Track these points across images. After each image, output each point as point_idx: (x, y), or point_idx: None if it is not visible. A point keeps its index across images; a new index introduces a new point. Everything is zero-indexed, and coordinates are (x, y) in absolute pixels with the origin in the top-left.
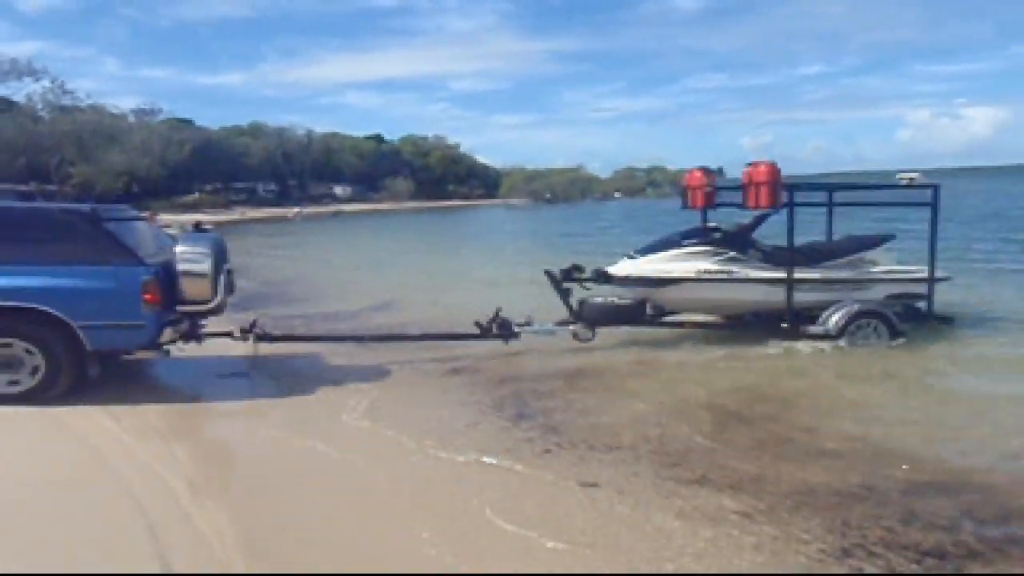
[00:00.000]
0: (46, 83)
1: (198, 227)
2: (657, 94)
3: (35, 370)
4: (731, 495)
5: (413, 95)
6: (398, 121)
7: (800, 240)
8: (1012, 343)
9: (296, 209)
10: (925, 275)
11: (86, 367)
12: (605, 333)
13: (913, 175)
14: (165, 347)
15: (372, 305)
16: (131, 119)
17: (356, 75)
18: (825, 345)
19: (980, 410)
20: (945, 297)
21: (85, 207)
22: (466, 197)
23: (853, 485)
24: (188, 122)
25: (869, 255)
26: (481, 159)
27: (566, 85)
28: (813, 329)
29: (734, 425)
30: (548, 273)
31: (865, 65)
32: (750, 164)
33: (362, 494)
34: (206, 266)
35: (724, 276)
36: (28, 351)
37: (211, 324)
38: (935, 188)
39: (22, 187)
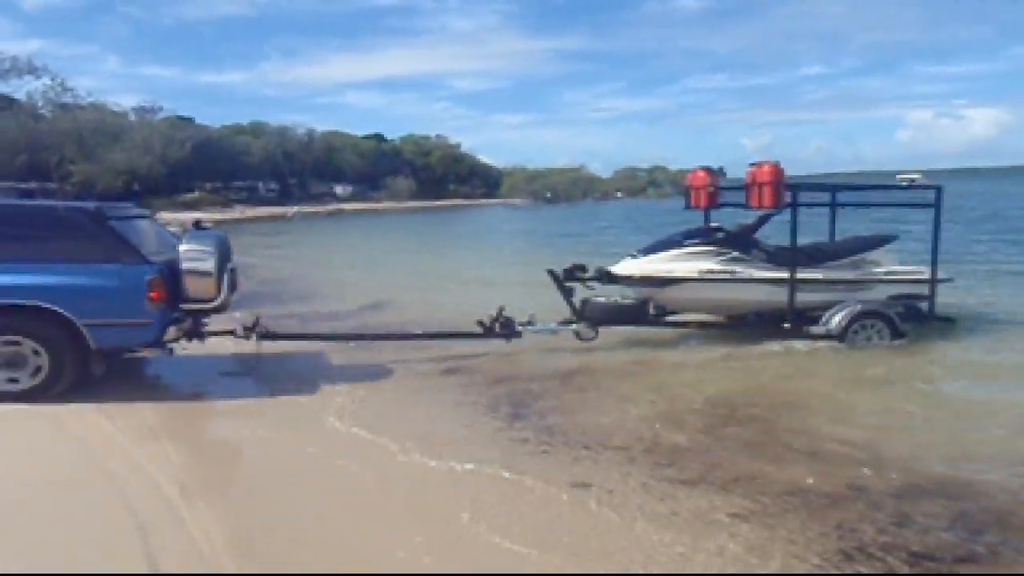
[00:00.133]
0: (47, 81)
1: (197, 225)
2: (658, 94)
3: (37, 370)
4: (724, 496)
5: (415, 94)
6: (399, 120)
7: (803, 241)
8: (1011, 347)
9: (294, 208)
10: (927, 276)
11: (89, 366)
12: (607, 332)
13: (914, 176)
14: (168, 345)
15: (368, 304)
16: (132, 117)
17: (358, 74)
18: (826, 345)
19: (978, 414)
20: (945, 298)
21: (90, 205)
22: (467, 196)
23: (847, 487)
24: (189, 120)
25: (871, 256)
26: (482, 158)
27: (567, 85)
28: (815, 329)
29: (730, 426)
30: (551, 272)
31: (865, 66)
32: (753, 164)
33: (351, 496)
34: (210, 264)
35: (727, 276)
36: (35, 351)
37: (214, 322)
38: (938, 189)
39: (23, 185)
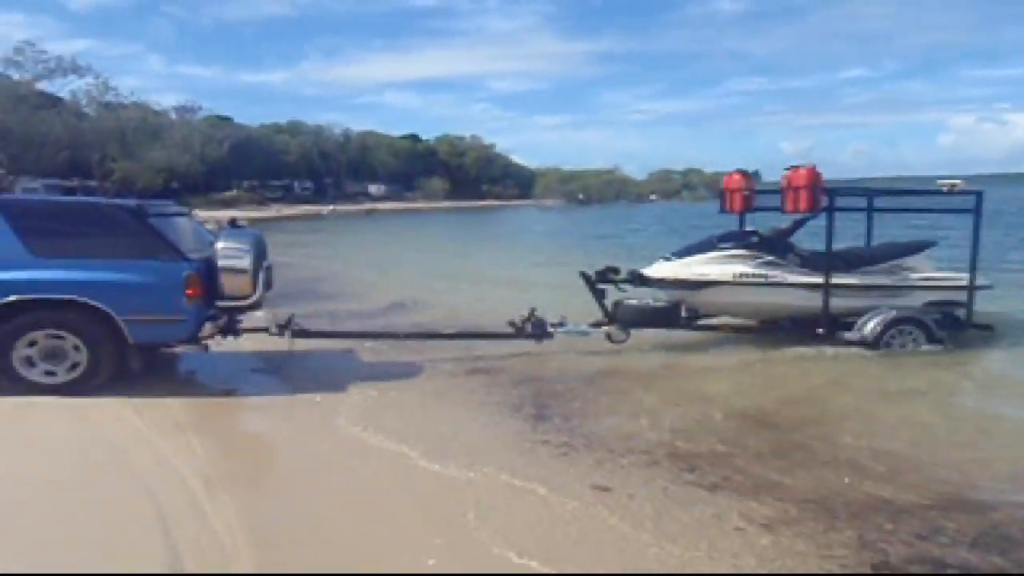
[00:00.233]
0: (90, 80)
1: (233, 223)
2: (697, 96)
3: (74, 365)
4: (744, 503)
5: (452, 95)
6: (436, 121)
7: (839, 245)
8: None
9: (330, 206)
10: (965, 283)
11: (126, 361)
12: (638, 335)
13: (955, 182)
14: (204, 341)
15: (399, 303)
16: (172, 116)
17: (396, 75)
18: (859, 352)
19: (1009, 432)
20: (984, 306)
21: (131, 203)
22: (500, 197)
23: (872, 498)
24: (228, 119)
25: (909, 261)
26: (517, 159)
27: (606, 86)
28: (849, 335)
29: (755, 432)
30: (583, 274)
31: (908, 68)
32: (790, 168)
33: (372, 494)
34: (246, 262)
35: (760, 280)
36: (76, 347)
37: (248, 319)
38: (978, 195)
39: (66, 183)
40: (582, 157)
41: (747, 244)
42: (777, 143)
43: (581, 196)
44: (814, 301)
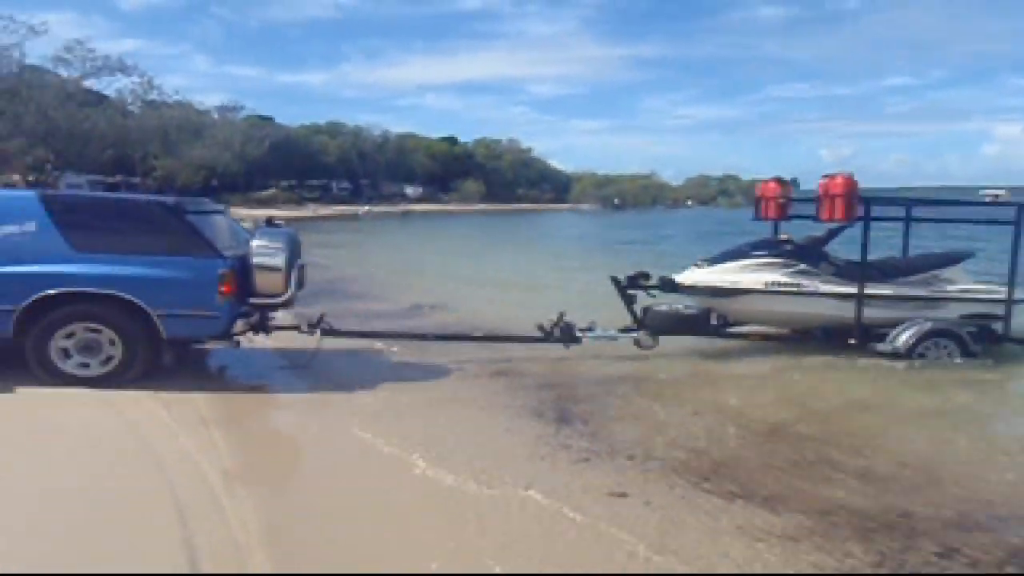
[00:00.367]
0: (135, 79)
1: (270, 222)
2: (737, 103)
3: (108, 359)
4: (763, 514)
5: (492, 98)
6: (476, 124)
7: (876, 255)
8: None
9: (365, 207)
10: (1003, 296)
11: (160, 355)
12: (666, 341)
13: (999, 192)
14: (235, 338)
15: (428, 304)
16: (215, 115)
17: (436, 77)
18: (891, 364)
19: None
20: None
21: (169, 200)
22: (535, 201)
23: (894, 513)
24: (269, 119)
25: (945, 273)
26: (554, 163)
27: (644, 91)
28: (881, 347)
29: (778, 441)
30: (614, 279)
31: (954, 77)
32: (826, 176)
33: (387, 492)
34: (280, 260)
35: (793, 289)
36: (112, 341)
37: (279, 317)
38: (1020, 207)
39: (109, 179)
40: (619, 162)
41: (780, 252)
42: (817, 151)
43: (617, 201)
44: (847, 311)
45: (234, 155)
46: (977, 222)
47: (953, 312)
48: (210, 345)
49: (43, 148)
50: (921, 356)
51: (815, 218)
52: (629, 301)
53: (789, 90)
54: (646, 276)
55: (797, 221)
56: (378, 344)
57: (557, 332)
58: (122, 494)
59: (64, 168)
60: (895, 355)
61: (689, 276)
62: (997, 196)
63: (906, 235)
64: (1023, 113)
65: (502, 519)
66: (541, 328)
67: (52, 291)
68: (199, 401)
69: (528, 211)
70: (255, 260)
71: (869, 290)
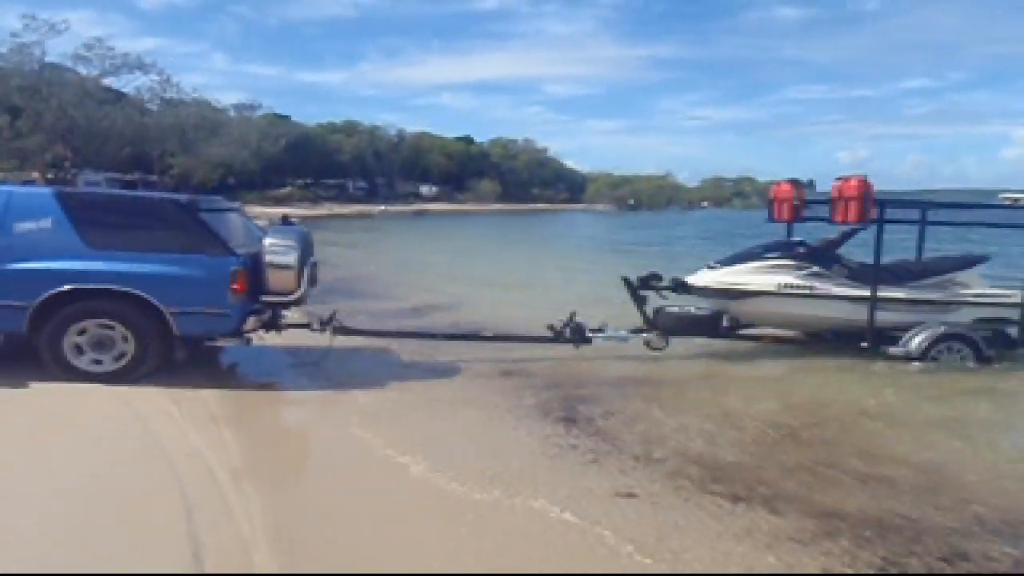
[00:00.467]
0: (154, 77)
1: (285, 220)
2: (753, 104)
3: (121, 355)
4: (767, 516)
5: (508, 98)
6: (492, 123)
7: (890, 258)
8: None
9: (381, 207)
10: (1019, 300)
11: (172, 352)
12: (677, 343)
13: (1017, 195)
14: (247, 335)
15: (439, 304)
16: (232, 114)
17: (453, 76)
18: (903, 368)
19: None
20: None
21: (183, 197)
22: (550, 201)
23: (899, 517)
24: (286, 118)
25: (959, 276)
26: (569, 163)
27: (661, 92)
28: (893, 350)
29: (787, 445)
30: (626, 280)
31: (973, 80)
32: (840, 178)
33: (392, 493)
34: (292, 258)
35: (806, 291)
36: (124, 337)
37: (291, 315)
38: None
39: (127, 177)
40: (634, 162)
41: (793, 255)
42: (833, 153)
43: (632, 201)
44: (859, 314)
45: (251, 153)
46: (992, 225)
47: (967, 316)
48: (222, 342)
49: (62, 145)
50: (934, 360)
51: (829, 220)
52: (640, 302)
53: (807, 92)
54: (658, 277)
55: (812, 223)
56: (389, 343)
57: (567, 332)
58: (131, 490)
59: (83, 165)
60: (908, 358)
61: (701, 277)
62: (1017, 200)
63: (921, 238)
64: None
65: (503, 519)
66: (552, 328)
67: (66, 287)
68: (209, 398)
69: (543, 211)
70: (267, 258)
71: (882, 293)
